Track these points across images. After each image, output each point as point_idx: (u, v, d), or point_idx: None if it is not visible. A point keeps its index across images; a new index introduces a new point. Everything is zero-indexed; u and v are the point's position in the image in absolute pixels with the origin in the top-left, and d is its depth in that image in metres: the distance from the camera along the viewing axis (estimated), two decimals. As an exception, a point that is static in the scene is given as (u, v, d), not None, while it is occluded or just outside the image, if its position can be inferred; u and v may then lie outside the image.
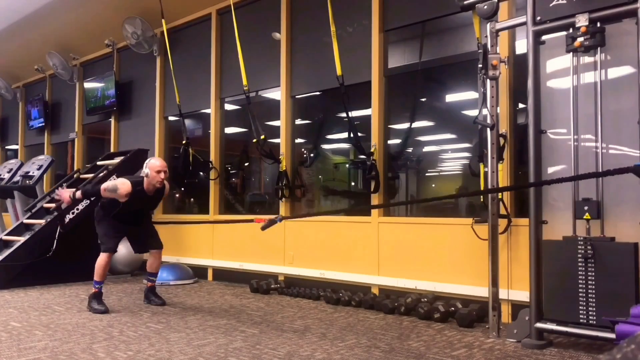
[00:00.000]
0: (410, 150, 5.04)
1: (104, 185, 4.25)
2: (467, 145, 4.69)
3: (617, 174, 2.67)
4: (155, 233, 4.67)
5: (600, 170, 3.04)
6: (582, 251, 3.03)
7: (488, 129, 3.51)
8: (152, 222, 4.79)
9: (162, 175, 4.29)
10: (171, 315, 4.10)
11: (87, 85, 8.14)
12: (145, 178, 4.26)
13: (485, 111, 3.50)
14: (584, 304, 3.00)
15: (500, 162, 3.57)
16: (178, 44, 6.83)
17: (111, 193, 4.18)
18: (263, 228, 3.78)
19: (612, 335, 2.73)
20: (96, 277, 4.29)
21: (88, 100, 8.11)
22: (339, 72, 4.82)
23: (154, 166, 4.27)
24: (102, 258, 4.31)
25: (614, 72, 3.13)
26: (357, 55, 4.99)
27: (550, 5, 3.17)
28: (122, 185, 4.17)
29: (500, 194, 3.56)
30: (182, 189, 7.15)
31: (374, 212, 4.73)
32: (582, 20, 3.03)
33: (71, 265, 5.81)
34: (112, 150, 7.71)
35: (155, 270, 4.72)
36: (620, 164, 2.78)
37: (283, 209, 5.45)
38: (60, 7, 7.23)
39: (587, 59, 3.18)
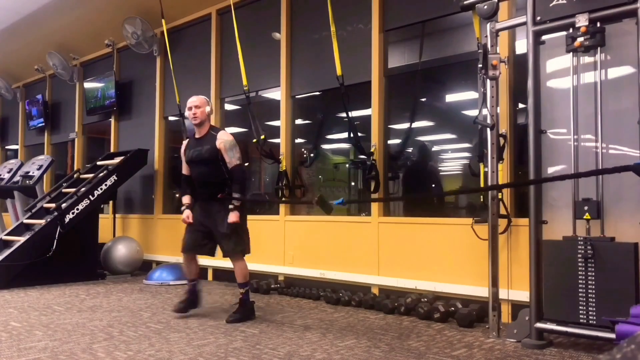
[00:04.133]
0: (410, 150, 5.04)
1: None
2: (467, 145, 4.69)
3: (617, 172, 2.67)
4: (227, 235, 3.86)
5: (600, 171, 3.04)
6: (582, 251, 3.03)
7: (488, 129, 3.51)
8: (241, 221, 3.91)
9: (192, 111, 3.94)
10: (171, 315, 4.10)
11: (87, 85, 8.14)
12: None
13: (485, 111, 3.50)
14: (584, 304, 3.00)
15: (500, 162, 3.57)
16: (178, 44, 6.83)
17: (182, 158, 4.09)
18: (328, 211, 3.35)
19: (612, 335, 2.72)
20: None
21: (88, 100, 8.11)
22: (339, 72, 4.82)
23: (187, 104, 4.06)
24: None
25: (614, 72, 3.13)
26: (357, 55, 4.99)
27: (550, 5, 3.17)
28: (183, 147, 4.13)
29: (500, 194, 3.56)
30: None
31: (374, 212, 4.73)
32: (582, 20, 3.03)
33: (71, 265, 5.82)
34: (112, 150, 7.71)
35: (240, 280, 3.95)
36: (620, 164, 2.77)
37: (283, 209, 5.46)
38: (60, 7, 7.24)
39: (587, 59, 3.18)
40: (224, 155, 3.92)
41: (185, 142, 4.17)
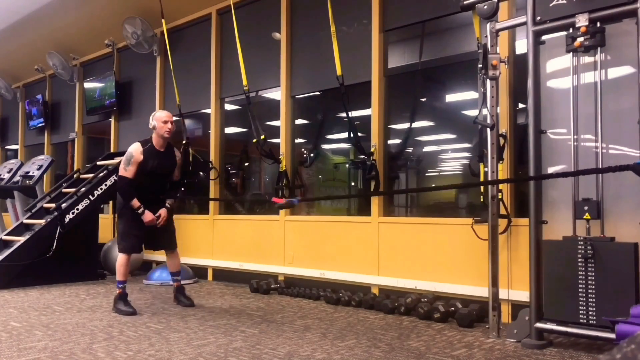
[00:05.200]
0: (410, 150, 5.04)
1: (120, 166, 4.20)
2: (467, 145, 4.69)
3: (617, 172, 2.67)
4: (173, 233, 4.53)
5: (600, 171, 3.04)
6: (582, 251, 3.03)
7: (488, 129, 3.51)
8: (172, 219, 4.55)
9: (168, 125, 4.21)
10: (171, 315, 4.10)
11: (87, 85, 8.14)
12: (153, 133, 4.24)
13: (485, 111, 3.50)
14: (584, 304, 3.00)
15: (500, 162, 3.57)
16: (178, 44, 6.83)
17: (128, 162, 4.13)
18: (280, 207, 3.72)
19: (612, 335, 2.73)
20: (118, 277, 4.24)
21: (88, 100, 8.11)
22: (339, 72, 4.82)
23: (160, 117, 4.23)
24: (120, 258, 4.23)
25: (614, 72, 3.13)
26: (357, 55, 4.99)
27: (550, 5, 3.17)
28: (132, 148, 4.18)
29: (500, 194, 3.56)
30: (182, 189, 7.14)
31: (374, 212, 4.73)
32: (582, 20, 3.03)
33: (71, 265, 5.82)
34: (112, 150, 7.71)
35: (177, 269, 4.57)
36: (620, 164, 2.78)
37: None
38: (60, 7, 7.23)
39: (587, 59, 3.18)
40: (176, 170, 4.44)
41: (139, 149, 4.19)
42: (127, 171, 4.17)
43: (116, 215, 4.38)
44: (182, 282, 5.76)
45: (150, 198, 4.28)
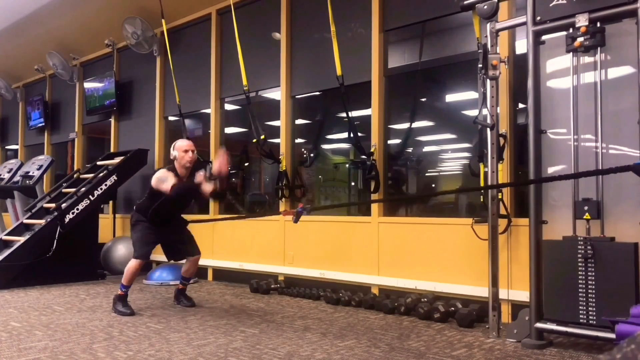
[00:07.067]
0: (410, 150, 5.04)
1: (159, 187, 4.02)
2: (467, 145, 4.69)
3: (617, 172, 2.67)
4: (192, 238, 4.51)
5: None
6: (582, 251, 3.03)
7: (488, 129, 3.51)
8: (187, 227, 4.57)
9: (189, 154, 4.14)
10: (171, 315, 4.10)
11: (87, 85, 8.14)
12: (175, 162, 4.17)
13: (485, 111, 3.50)
14: (584, 304, 3.00)
15: (500, 162, 3.57)
16: (178, 44, 6.83)
17: (165, 179, 4.00)
18: (295, 221, 3.67)
19: (612, 335, 2.72)
20: (124, 281, 4.22)
21: (88, 100, 8.11)
22: (339, 72, 4.82)
23: (181, 147, 4.16)
24: (132, 264, 4.21)
25: (614, 72, 3.13)
26: (357, 55, 4.99)
27: (550, 5, 3.17)
28: (160, 172, 4.10)
29: (500, 194, 3.56)
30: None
31: (374, 212, 4.73)
32: (582, 20, 3.03)
33: (71, 265, 5.81)
34: (112, 150, 7.71)
35: (191, 276, 4.62)
36: (620, 164, 2.78)
37: (283, 209, 5.45)
38: (60, 7, 7.23)
39: (587, 59, 3.18)
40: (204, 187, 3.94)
41: (168, 172, 4.07)
42: (167, 184, 3.97)
43: (130, 226, 4.35)
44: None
45: (168, 218, 4.32)
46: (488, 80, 3.51)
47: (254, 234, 5.75)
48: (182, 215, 4.57)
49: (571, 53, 3.17)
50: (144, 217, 4.25)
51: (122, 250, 6.46)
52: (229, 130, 6.56)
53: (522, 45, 3.79)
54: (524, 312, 3.30)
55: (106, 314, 4.16)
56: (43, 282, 5.62)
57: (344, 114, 4.88)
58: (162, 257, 6.57)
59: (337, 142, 5.75)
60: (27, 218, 6.25)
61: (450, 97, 4.95)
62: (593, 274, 2.99)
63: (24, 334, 3.47)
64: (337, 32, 4.86)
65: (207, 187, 3.86)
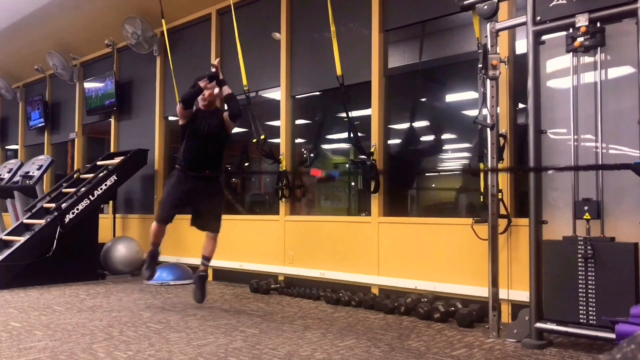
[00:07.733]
0: (410, 150, 5.03)
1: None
2: (467, 145, 4.69)
3: (617, 170, 2.67)
4: (219, 216, 4.39)
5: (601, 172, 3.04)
6: (582, 251, 3.03)
7: (488, 129, 3.51)
8: (221, 202, 4.53)
9: (207, 91, 4.32)
10: (171, 315, 4.10)
11: (87, 85, 8.14)
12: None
13: (485, 111, 3.50)
14: (584, 304, 3.00)
15: (500, 162, 3.57)
16: (178, 44, 6.83)
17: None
18: (323, 181, 3.73)
19: (612, 335, 2.72)
20: (150, 241, 4.38)
21: (88, 100, 8.11)
22: (339, 72, 4.82)
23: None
24: (153, 225, 4.31)
25: (614, 72, 3.13)
26: (357, 55, 4.99)
27: (550, 5, 3.17)
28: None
29: (500, 194, 3.56)
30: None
31: (374, 212, 4.73)
32: (582, 20, 3.03)
33: (71, 265, 5.81)
34: (112, 150, 7.71)
35: (210, 254, 4.42)
36: (620, 164, 2.79)
37: (283, 209, 5.45)
38: (60, 7, 7.24)
39: (587, 59, 3.18)
40: (228, 126, 4.37)
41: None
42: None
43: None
44: (182, 282, 5.77)
45: (203, 160, 4.29)
46: (488, 80, 3.51)
47: (254, 234, 5.74)
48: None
49: (571, 53, 3.17)
50: (180, 164, 4.30)
51: (122, 250, 6.45)
52: (229, 130, 6.54)
53: (522, 45, 3.79)
54: (524, 312, 3.30)
55: (106, 314, 4.16)
56: (43, 282, 5.62)
57: (344, 114, 4.88)
58: (161, 258, 6.58)
59: (337, 142, 5.75)
60: (27, 218, 6.25)
61: (450, 97, 4.95)
62: (593, 274, 2.99)
63: (24, 334, 3.47)
64: (337, 32, 4.86)
65: (210, 85, 4.21)
